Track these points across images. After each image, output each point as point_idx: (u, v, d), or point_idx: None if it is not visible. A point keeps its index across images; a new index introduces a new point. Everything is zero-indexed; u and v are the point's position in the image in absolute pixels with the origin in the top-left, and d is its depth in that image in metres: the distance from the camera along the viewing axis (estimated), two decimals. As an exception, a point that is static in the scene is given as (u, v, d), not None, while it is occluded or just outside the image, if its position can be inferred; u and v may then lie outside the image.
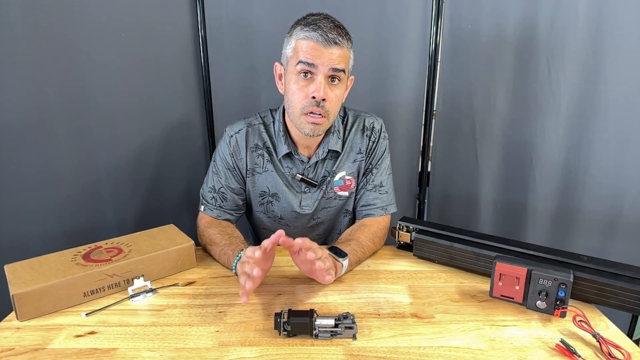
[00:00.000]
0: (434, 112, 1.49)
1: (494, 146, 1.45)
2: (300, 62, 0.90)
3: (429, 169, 1.56)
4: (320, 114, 0.93)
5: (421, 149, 1.54)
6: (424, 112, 1.49)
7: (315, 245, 0.80)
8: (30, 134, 1.11)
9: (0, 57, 1.04)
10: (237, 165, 1.05)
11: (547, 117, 1.36)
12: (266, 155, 1.05)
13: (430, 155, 1.55)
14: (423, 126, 1.51)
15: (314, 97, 0.91)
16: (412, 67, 1.44)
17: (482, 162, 1.47)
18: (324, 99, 0.91)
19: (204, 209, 1.06)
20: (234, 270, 0.89)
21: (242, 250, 0.89)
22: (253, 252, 0.75)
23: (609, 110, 1.30)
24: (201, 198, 1.09)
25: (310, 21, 0.91)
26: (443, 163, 1.53)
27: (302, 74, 0.92)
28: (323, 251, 0.82)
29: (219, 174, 1.06)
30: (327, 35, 0.88)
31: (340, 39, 0.90)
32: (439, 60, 1.43)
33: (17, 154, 1.11)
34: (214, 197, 1.06)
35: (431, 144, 1.53)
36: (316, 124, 0.94)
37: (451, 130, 1.49)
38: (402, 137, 1.48)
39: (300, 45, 0.91)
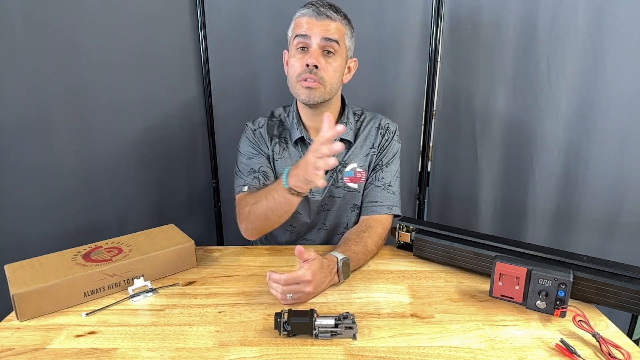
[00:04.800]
0: (434, 112, 1.49)
1: (494, 146, 1.45)
2: (296, 36, 0.99)
3: (429, 169, 1.56)
4: (314, 80, 0.97)
5: (421, 149, 1.54)
6: (424, 112, 1.49)
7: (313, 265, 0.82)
8: (31, 133, 1.11)
9: (0, 56, 1.04)
10: (263, 152, 1.10)
11: (547, 117, 1.36)
12: (282, 144, 1.10)
13: (430, 155, 1.55)
14: (423, 126, 1.51)
15: (307, 65, 0.97)
16: (412, 67, 1.44)
17: (482, 162, 1.47)
18: (316, 66, 0.96)
19: (248, 189, 1.04)
20: (285, 184, 0.87)
21: (286, 169, 0.88)
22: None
23: (609, 110, 1.30)
24: (241, 184, 1.05)
25: (306, 3, 1.00)
26: (443, 163, 1.53)
27: (299, 48, 0.99)
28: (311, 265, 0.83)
29: (253, 158, 1.08)
30: (319, 10, 0.97)
31: (331, 12, 0.97)
32: (439, 60, 1.44)
33: (17, 153, 1.11)
34: (255, 177, 1.06)
35: (431, 144, 1.53)
36: (310, 88, 0.98)
37: (451, 130, 1.49)
38: (402, 137, 1.46)
39: (297, 22, 1.00)
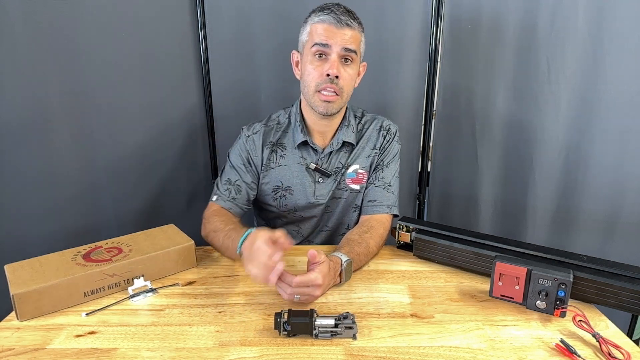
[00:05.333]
0: (434, 112, 1.49)
1: (494, 146, 1.45)
2: (315, 44, 0.97)
3: (429, 169, 1.56)
4: (334, 91, 0.98)
5: (421, 149, 1.54)
6: (424, 112, 1.49)
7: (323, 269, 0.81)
8: (31, 134, 1.11)
9: (0, 57, 1.04)
10: (253, 162, 1.09)
11: (547, 117, 1.36)
12: (279, 150, 1.09)
13: (430, 155, 1.55)
14: (423, 126, 1.51)
15: (328, 75, 0.96)
16: (412, 67, 1.44)
17: (482, 162, 1.47)
18: (337, 76, 0.96)
19: (217, 199, 1.07)
20: (238, 251, 0.86)
21: (247, 231, 0.86)
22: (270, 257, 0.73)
23: (609, 110, 1.30)
24: (215, 188, 1.10)
25: (323, 7, 0.98)
26: (443, 163, 1.53)
27: (317, 55, 0.98)
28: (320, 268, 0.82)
29: (235, 169, 1.09)
30: (340, 18, 0.95)
31: (351, 21, 0.96)
32: (439, 60, 1.43)
33: (17, 154, 1.10)
34: (228, 189, 1.07)
35: (431, 144, 1.53)
36: (329, 101, 0.99)
37: (451, 130, 1.49)
38: (402, 137, 1.47)
39: (315, 28, 0.97)
